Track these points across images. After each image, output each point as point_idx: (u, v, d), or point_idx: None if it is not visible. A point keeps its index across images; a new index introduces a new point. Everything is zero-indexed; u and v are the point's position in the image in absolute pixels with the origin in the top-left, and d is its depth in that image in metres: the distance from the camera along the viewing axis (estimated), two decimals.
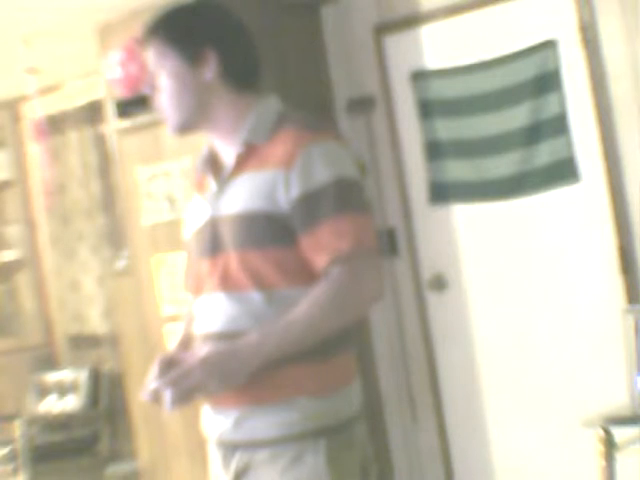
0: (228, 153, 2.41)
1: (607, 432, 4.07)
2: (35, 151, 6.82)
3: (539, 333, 4.91)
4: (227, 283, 2.33)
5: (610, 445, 4.07)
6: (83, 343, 6.84)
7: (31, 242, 7.05)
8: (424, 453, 5.30)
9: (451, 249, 5.14)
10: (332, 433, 2.29)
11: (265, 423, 2.29)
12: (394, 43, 5.21)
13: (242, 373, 2.24)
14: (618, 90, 4.61)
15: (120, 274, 5.78)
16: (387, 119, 5.26)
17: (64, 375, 6.66)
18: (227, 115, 2.39)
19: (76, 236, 6.87)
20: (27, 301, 7.11)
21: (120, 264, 5.81)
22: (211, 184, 2.43)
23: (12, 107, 6.94)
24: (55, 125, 6.66)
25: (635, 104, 4.58)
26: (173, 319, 4.96)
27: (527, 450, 4.99)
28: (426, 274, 5.22)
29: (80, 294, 6.88)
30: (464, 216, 5.09)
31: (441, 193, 5.14)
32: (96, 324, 6.79)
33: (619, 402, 4.37)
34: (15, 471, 6.22)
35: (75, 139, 6.77)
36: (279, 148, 2.31)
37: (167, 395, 2.23)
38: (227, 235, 2.34)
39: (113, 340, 6.24)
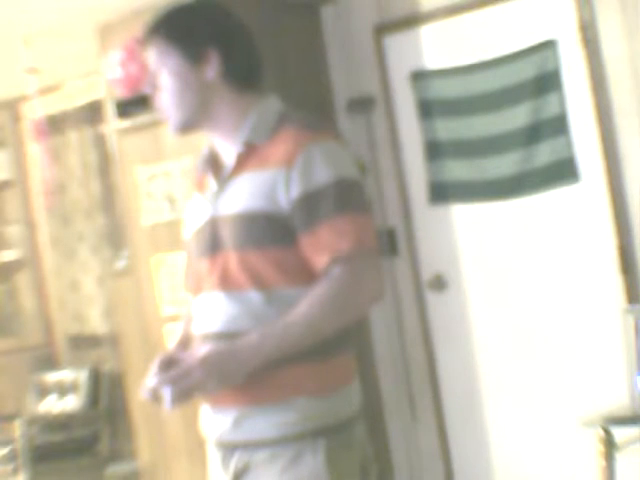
0: (228, 153, 2.41)
1: (607, 432, 4.07)
2: (35, 151, 6.82)
3: (539, 333, 4.92)
4: (227, 283, 2.33)
5: (610, 445, 4.07)
6: (83, 343, 6.84)
7: (31, 242, 7.05)
8: (424, 453, 5.30)
9: (451, 249, 5.14)
10: (331, 433, 2.29)
11: (264, 423, 2.29)
12: (394, 43, 5.21)
13: (241, 373, 2.24)
14: (618, 90, 4.61)
15: (120, 274, 5.78)
16: (387, 119, 5.26)
17: (64, 375, 6.66)
18: (228, 114, 2.39)
19: (76, 236, 6.87)
20: (27, 301, 7.11)
21: (120, 264, 5.80)
22: (211, 183, 2.43)
23: (12, 107, 6.94)
24: (55, 125, 6.65)
25: (635, 104, 4.58)
26: (173, 319, 4.96)
27: (527, 450, 4.99)
28: (426, 274, 5.22)
29: (80, 294, 6.87)
30: (464, 216, 5.09)
31: (441, 193, 5.14)
32: (96, 324, 6.79)
33: (619, 402, 4.37)
34: (15, 471, 6.22)
35: (75, 139, 6.77)
36: (279, 148, 2.31)
37: (166, 394, 2.23)
38: (227, 235, 2.34)
39: (113, 340, 6.24)
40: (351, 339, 2.39)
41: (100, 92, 5.58)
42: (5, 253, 7.08)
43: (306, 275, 2.28)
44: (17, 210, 7.09)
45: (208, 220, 2.39)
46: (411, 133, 5.20)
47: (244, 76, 2.41)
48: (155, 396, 2.28)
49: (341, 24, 5.37)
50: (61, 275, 6.96)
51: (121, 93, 5.25)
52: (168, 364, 2.31)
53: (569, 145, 4.74)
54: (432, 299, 5.22)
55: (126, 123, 5.30)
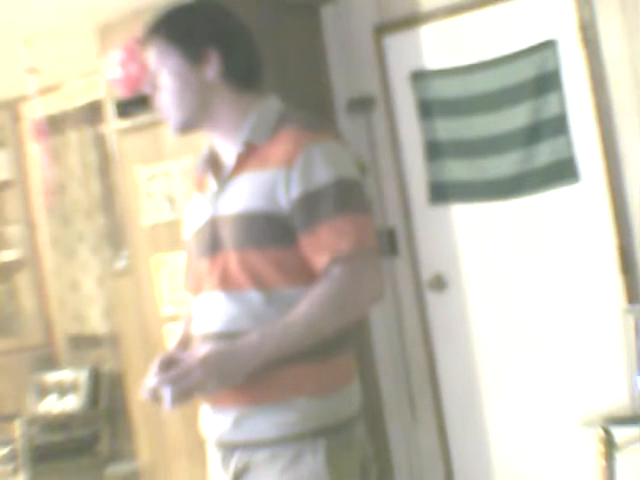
0: (228, 153, 2.41)
1: (607, 432, 4.07)
2: (35, 151, 6.82)
3: (539, 333, 4.92)
4: (226, 283, 2.33)
5: (610, 445, 4.07)
6: (83, 343, 6.84)
7: (31, 242, 7.05)
8: (424, 453, 5.30)
9: (451, 249, 5.14)
10: (331, 433, 2.29)
11: (264, 423, 2.29)
12: (394, 43, 5.21)
13: (241, 373, 2.24)
14: (618, 90, 4.61)
15: (120, 274, 5.78)
16: (387, 119, 5.26)
17: (64, 375, 6.66)
18: (228, 114, 2.39)
19: (76, 236, 6.87)
20: (27, 301, 7.10)
21: (120, 264, 5.80)
22: (211, 183, 2.43)
23: (12, 107, 6.93)
24: (55, 125, 6.65)
25: (635, 104, 4.58)
26: (173, 319, 4.96)
27: (527, 450, 4.99)
28: (426, 274, 5.22)
29: (80, 294, 6.87)
30: (464, 216, 5.09)
31: (441, 193, 5.14)
32: (96, 324, 6.79)
33: (619, 402, 4.37)
34: (15, 471, 6.22)
35: (75, 139, 6.77)
36: (279, 148, 2.31)
37: (166, 394, 2.23)
38: (227, 235, 2.34)
39: (113, 340, 6.24)
40: (351, 339, 2.39)
41: (100, 92, 5.58)
42: (5, 253, 7.08)
43: (306, 275, 2.28)
44: (17, 210, 7.09)
45: (208, 220, 2.39)
46: (411, 133, 5.20)
47: (244, 76, 2.41)
48: (155, 396, 2.28)
49: (341, 24, 5.37)
50: (61, 275, 6.96)
51: (121, 93, 5.24)
52: (168, 364, 2.31)
53: (569, 145, 4.74)
54: (432, 299, 5.22)
55: (126, 123, 5.30)
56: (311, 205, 2.26)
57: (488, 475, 5.13)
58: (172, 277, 5.14)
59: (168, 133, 2.47)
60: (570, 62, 4.71)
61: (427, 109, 5.12)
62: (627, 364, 4.28)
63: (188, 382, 2.22)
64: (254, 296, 2.29)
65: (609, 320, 4.66)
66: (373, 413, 5.28)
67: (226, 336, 2.30)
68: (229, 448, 2.36)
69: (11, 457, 6.27)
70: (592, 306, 4.75)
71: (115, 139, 5.43)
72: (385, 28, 5.23)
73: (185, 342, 2.49)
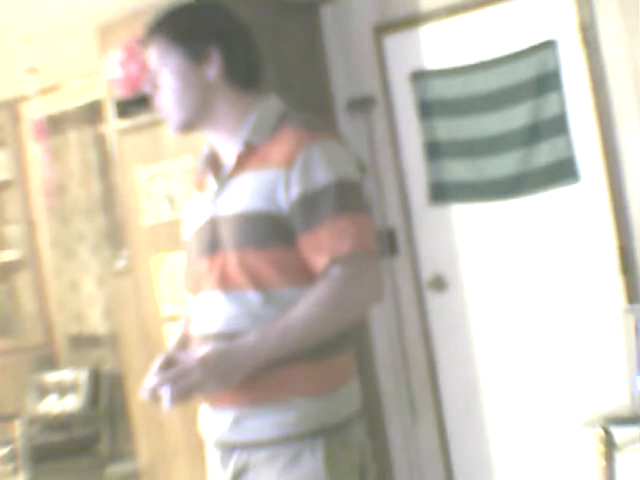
0: (229, 152, 2.41)
1: (607, 432, 4.07)
2: (35, 151, 6.82)
3: (539, 333, 4.91)
4: (225, 283, 2.33)
5: (610, 445, 4.07)
6: (83, 343, 6.84)
7: (31, 242, 7.05)
8: (424, 453, 5.30)
9: (451, 249, 5.14)
10: (330, 433, 2.29)
11: (263, 423, 2.29)
12: (394, 43, 5.21)
13: (240, 373, 2.24)
14: (618, 90, 4.61)
15: (120, 274, 5.78)
16: (387, 119, 5.26)
17: (64, 375, 6.66)
18: (228, 114, 2.39)
19: (76, 236, 6.87)
20: (27, 301, 7.10)
21: (120, 264, 5.80)
22: (211, 183, 2.43)
23: (12, 107, 6.93)
24: (55, 125, 6.65)
25: (635, 104, 4.58)
26: (173, 319, 4.96)
27: (527, 450, 4.99)
28: (426, 274, 5.22)
29: (80, 294, 6.87)
30: (464, 216, 5.09)
31: (441, 193, 5.14)
32: (96, 324, 6.79)
33: (619, 402, 4.37)
34: (15, 471, 6.22)
35: (75, 139, 6.77)
36: (279, 148, 2.31)
37: (165, 394, 2.23)
38: (226, 235, 2.34)
39: (113, 340, 6.24)
40: (350, 339, 2.38)
41: (100, 92, 5.58)
42: (5, 253, 7.08)
43: (305, 276, 2.28)
44: (17, 210, 7.09)
45: (208, 220, 2.39)
46: (411, 133, 5.20)
47: (245, 76, 2.41)
48: (155, 396, 2.28)
49: (341, 24, 5.37)
50: (61, 275, 6.96)
51: (121, 93, 5.25)
52: (168, 364, 2.31)
53: (569, 145, 4.74)
54: (432, 299, 5.22)
55: (126, 123, 5.30)
56: (311, 206, 2.26)
57: (488, 475, 5.13)
58: (172, 277, 5.14)
59: (168, 133, 2.47)
60: (570, 62, 4.71)
61: (427, 109, 5.12)
62: (627, 364, 4.28)
63: (187, 382, 2.22)
64: (253, 296, 2.29)
65: (609, 320, 4.66)
66: (373, 413, 5.28)
67: (225, 336, 2.30)
68: (228, 448, 2.36)
69: (11, 457, 6.27)
70: (592, 306, 4.75)
71: (115, 139, 5.43)
72: (385, 28, 5.23)
73: (184, 342, 2.49)
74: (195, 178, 2.55)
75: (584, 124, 4.70)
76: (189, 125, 2.41)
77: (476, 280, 5.08)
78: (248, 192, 2.31)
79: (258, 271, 2.29)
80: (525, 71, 4.81)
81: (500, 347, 5.04)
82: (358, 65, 5.33)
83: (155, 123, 4.99)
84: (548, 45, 4.75)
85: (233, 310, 2.31)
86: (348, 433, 2.33)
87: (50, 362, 6.93)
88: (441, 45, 5.07)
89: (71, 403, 6.53)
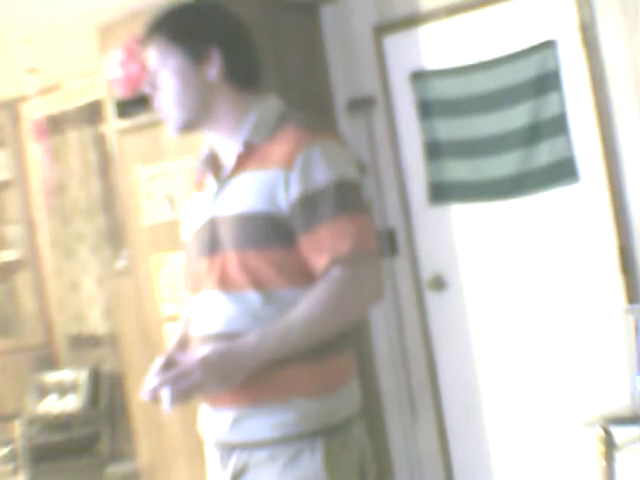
0: (228, 152, 2.41)
1: (607, 432, 4.07)
2: (35, 151, 6.82)
3: (539, 333, 4.91)
4: (226, 283, 2.33)
5: (610, 445, 4.07)
6: (83, 343, 6.84)
7: (31, 242, 7.04)
8: (424, 453, 5.30)
9: (451, 249, 5.14)
10: (330, 433, 2.29)
11: (263, 424, 2.29)
12: (394, 43, 5.21)
13: (241, 374, 2.24)
14: (618, 90, 4.61)
15: (120, 274, 5.78)
16: (387, 119, 5.26)
17: (64, 375, 6.66)
18: (228, 114, 2.39)
19: (76, 236, 6.87)
20: (27, 301, 7.10)
21: (120, 264, 5.80)
22: (211, 183, 2.43)
23: (12, 107, 6.93)
24: (55, 125, 6.65)
25: (635, 104, 4.58)
26: (173, 319, 4.96)
27: (527, 450, 4.99)
28: (426, 274, 5.22)
29: (80, 294, 6.87)
30: (464, 216, 5.09)
31: (441, 193, 5.14)
32: (96, 324, 6.79)
33: (619, 402, 4.37)
34: (15, 471, 6.22)
35: (75, 139, 6.77)
36: (279, 148, 2.31)
37: (166, 395, 2.23)
38: (226, 235, 2.34)
39: (113, 340, 6.24)
40: (349, 339, 2.38)
41: (100, 92, 5.58)
42: (5, 253, 7.08)
43: (305, 276, 2.28)
44: (17, 210, 7.09)
45: (208, 220, 2.39)
46: (411, 133, 5.19)
47: (245, 75, 2.41)
48: (155, 397, 2.28)
49: (341, 24, 5.37)
50: (61, 275, 6.96)
51: (121, 93, 5.24)
52: (168, 365, 2.31)
53: (569, 145, 4.74)
54: (432, 299, 5.22)
55: (126, 123, 5.30)
56: (311, 206, 2.26)
57: (488, 475, 5.13)
58: (172, 277, 5.14)
59: (168, 133, 2.47)
60: (570, 62, 4.71)
61: (427, 109, 5.12)
62: (627, 364, 4.28)
63: (188, 383, 2.22)
64: (253, 297, 2.29)
65: (609, 320, 4.66)
66: (373, 413, 5.28)
67: (225, 337, 2.30)
68: (228, 448, 2.36)
69: (11, 457, 6.27)
70: (592, 306, 4.75)
71: (115, 139, 5.43)
72: (385, 28, 5.23)
73: (184, 342, 2.49)
74: (194, 178, 2.55)
75: (584, 124, 4.70)
76: (189, 125, 2.41)
77: (476, 280, 5.08)
78: (248, 192, 2.31)
79: (258, 271, 2.29)
80: (525, 71, 4.80)
81: (500, 347, 5.04)
82: (358, 65, 5.33)
83: (155, 123, 4.99)
84: (548, 45, 4.75)
85: (233, 310, 2.31)
86: (348, 433, 2.33)
87: (50, 362, 6.92)
88: (441, 45, 5.07)
89: (71, 403, 6.53)
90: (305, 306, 2.23)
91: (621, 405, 4.30)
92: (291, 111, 2.43)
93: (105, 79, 5.34)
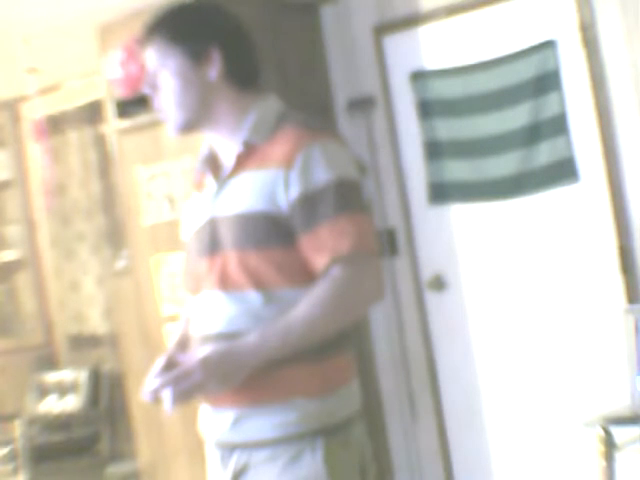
0: (228, 152, 2.40)
1: (607, 432, 4.07)
2: (35, 151, 6.82)
3: (539, 333, 4.91)
4: (226, 283, 2.33)
5: (610, 445, 4.07)
6: (83, 343, 6.84)
7: (31, 242, 7.04)
8: (424, 453, 5.30)
9: (451, 249, 5.14)
10: (330, 433, 2.29)
11: (263, 424, 2.29)
12: (394, 43, 5.21)
13: (241, 374, 2.24)
14: (618, 90, 4.61)
15: (120, 274, 5.78)
16: (387, 119, 5.26)
17: (64, 375, 6.66)
18: (228, 114, 2.39)
19: (76, 236, 6.87)
20: (27, 301, 7.10)
21: (120, 264, 5.80)
22: (211, 183, 2.43)
23: (12, 107, 6.93)
24: (55, 125, 6.65)
25: (635, 104, 4.58)
26: (173, 319, 4.96)
27: (527, 450, 4.99)
28: (426, 274, 5.22)
29: (80, 294, 6.87)
30: (464, 216, 5.09)
31: (441, 193, 5.14)
32: (96, 324, 6.79)
33: (619, 402, 4.37)
34: (15, 471, 6.22)
35: (75, 139, 6.77)
36: (279, 148, 2.31)
37: (167, 395, 2.23)
38: (226, 235, 2.34)
39: (113, 340, 6.24)
40: (349, 339, 2.39)
41: (100, 92, 5.58)
42: (5, 253, 7.08)
43: (306, 275, 2.28)
44: (17, 210, 7.09)
45: (207, 220, 2.39)
46: (411, 133, 5.19)
47: (245, 76, 2.41)
48: (156, 398, 2.28)
49: (341, 24, 5.37)
50: (61, 275, 6.96)
51: (121, 93, 5.25)
52: (169, 366, 2.31)
53: (569, 145, 4.74)
54: (432, 299, 5.22)
55: (126, 123, 5.30)
56: (311, 205, 2.26)
57: (488, 475, 5.13)
58: (172, 277, 5.14)
59: (168, 133, 2.46)
60: (570, 62, 4.71)
61: (427, 109, 5.12)
62: (627, 364, 4.28)
63: (189, 383, 2.22)
64: (254, 296, 2.29)
65: (609, 320, 4.66)
66: (373, 413, 5.28)
67: (226, 337, 2.30)
68: (228, 448, 2.36)
69: (11, 457, 6.27)
70: (592, 306, 4.75)
71: (115, 139, 5.43)
72: (385, 28, 5.23)
73: (184, 343, 2.49)
74: (194, 178, 2.55)
75: (584, 124, 4.70)
76: (189, 126, 2.41)
77: (476, 280, 5.08)
78: (248, 192, 2.31)
79: (258, 271, 2.29)
80: (525, 71, 4.80)
81: (500, 347, 5.04)
82: (358, 65, 5.33)
83: (155, 123, 4.99)
84: (548, 45, 4.75)
85: (233, 310, 2.31)
86: (348, 433, 2.33)
87: (50, 362, 6.92)
88: (441, 45, 5.07)
89: (71, 403, 6.53)
90: (305, 306, 2.23)
91: (621, 405, 4.30)
92: (291, 111, 2.43)
93: (105, 79, 5.34)
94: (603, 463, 4.08)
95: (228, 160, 2.40)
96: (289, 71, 5.15)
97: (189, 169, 4.97)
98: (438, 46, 5.08)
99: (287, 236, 2.28)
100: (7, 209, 7.15)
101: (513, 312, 4.99)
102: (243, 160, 2.35)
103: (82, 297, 6.86)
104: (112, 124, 5.42)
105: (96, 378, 6.53)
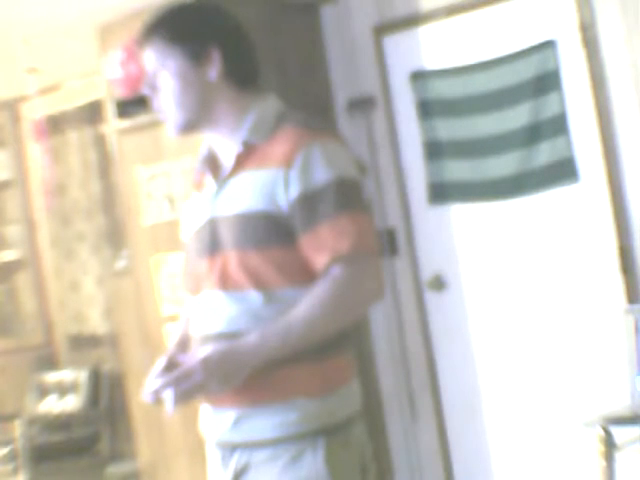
0: (227, 152, 2.40)
1: (607, 432, 4.07)
2: (35, 151, 6.82)
3: (539, 333, 4.91)
4: (226, 283, 2.33)
5: (610, 445, 4.07)
6: (83, 343, 6.84)
7: (31, 242, 7.05)
8: (424, 453, 5.30)
9: (451, 249, 5.14)
10: (331, 433, 2.29)
11: (264, 424, 2.29)
12: (394, 43, 5.21)
13: (242, 374, 2.24)
14: (618, 90, 4.61)
15: (120, 274, 5.78)
16: (387, 119, 5.26)
17: (64, 375, 6.66)
18: (228, 114, 2.39)
19: (76, 236, 6.87)
20: (27, 301, 7.10)
21: (120, 264, 5.80)
22: (210, 183, 2.43)
23: (12, 107, 6.93)
24: (55, 125, 6.65)
25: (635, 104, 4.58)
26: (173, 319, 4.96)
27: (527, 450, 4.98)
28: (425, 274, 5.22)
29: (80, 294, 6.87)
30: (464, 216, 5.09)
31: (441, 193, 5.14)
32: (96, 324, 6.79)
33: (619, 402, 4.37)
34: (15, 471, 6.22)
35: (75, 139, 6.77)
36: (278, 147, 2.31)
37: (168, 396, 2.23)
38: (226, 235, 2.34)
39: (113, 340, 6.24)
40: (350, 339, 2.39)
41: (100, 92, 5.58)
42: (5, 253, 7.08)
43: (306, 275, 2.28)
44: (17, 210, 7.09)
45: (207, 220, 2.39)
46: (411, 133, 5.19)
47: (245, 76, 2.41)
48: (157, 398, 2.27)
49: (341, 24, 5.37)
50: (61, 275, 6.96)
51: (121, 93, 5.25)
52: (169, 366, 2.31)
53: (569, 145, 4.74)
54: (432, 299, 5.22)
55: (126, 123, 5.30)
56: (311, 205, 2.26)
57: (488, 475, 5.13)
58: (172, 277, 5.14)
59: (168, 134, 2.46)
60: (570, 62, 4.71)
61: (427, 109, 5.12)
62: (627, 364, 4.28)
63: (190, 384, 2.22)
64: (254, 296, 2.29)
65: (609, 320, 4.66)
66: (373, 413, 5.28)
67: (226, 336, 2.30)
68: (229, 448, 2.36)
69: (11, 457, 6.27)
70: (592, 306, 4.75)
71: (115, 139, 5.43)
72: (385, 28, 5.23)
73: (184, 343, 2.49)
74: (194, 178, 2.55)
75: (584, 124, 4.70)
76: (189, 126, 2.41)
77: (476, 280, 5.08)
78: (247, 192, 2.31)
79: (258, 271, 2.29)
80: (525, 71, 4.80)
81: (500, 347, 5.04)
82: (358, 65, 5.33)
83: (155, 123, 4.99)
84: (548, 45, 4.75)
85: (234, 310, 2.31)
86: (349, 433, 2.33)
87: (50, 362, 6.93)
88: (441, 45, 5.07)
89: (71, 403, 6.53)
90: (306, 305, 2.23)
91: (621, 405, 4.30)
92: (290, 111, 2.43)
93: (105, 79, 5.34)
94: (603, 463, 4.08)
95: (228, 160, 2.40)
96: (289, 71, 5.15)
97: (189, 169, 4.97)
98: (438, 46, 5.08)
99: (287, 236, 2.28)
100: (7, 209, 7.15)
101: (513, 312, 4.99)
102: (243, 160, 2.35)
103: (82, 297, 6.87)
104: (112, 124, 5.42)
105: (96, 378, 6.53)
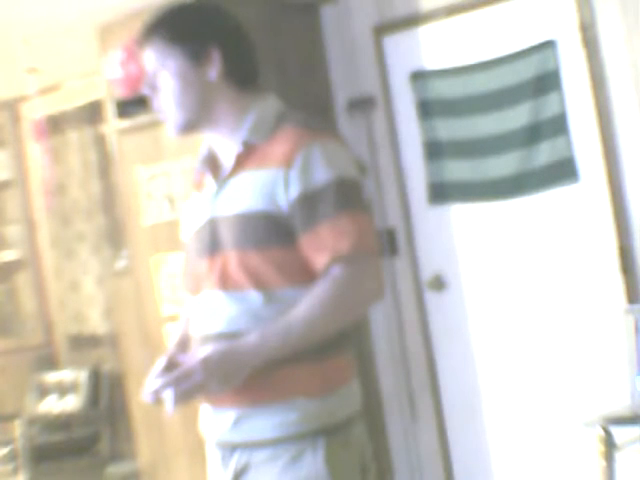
0: (227, 152, 2.40)
1: (607, 432, 4.07)
2: (35, 151, 6.82)
3: (539, 333, 4.91)
4: (226, 283, 2.33)
5: (610, 445, 4.07)
6: (83, 343, 6.84)
7: (31, 242, 7.04)
8: (424, 453, 5.30)
9: (451, 249, 5.14)
10: (331, 433, 2.29)
11: (264, 424, 2.29)
12: (394, 43, 5.21)
13: (242, 374, 2.24)
14: (618, 90, 4.61)
15: (120, 274, 5.78)
16: (387, 119, 5.26)
17: (64, 375, 6.66)
18: (228, 114, 2.39)
19: (76, 236, 6.87)
20: (27, 301, 7.10)
21: (120, 264, 5.80)
22: (210, 183, 2.43)
23: (12, 107, 6.93)
24: (55, 125, 6.65)
25: (635, 104, 4.58)
26: (173, 319, 4.96)
27: (527, 450, 4.99)
28: (425, 274, 5.22)
29: (80, 294, 6.87)
30: (464, 216, 5.09)
31: (441, 193, 5.14)
32: (96, 324, 6.79)
33: (619, 402, 4.37)
34: (15, 471, 6.22)
35: (75, 139, 6.77)
36: (278, 147, 2.31)
37: (169, 396, 2.23)
38: (226, 235, 2.34)
39: (113, 340, 6.24)
40: (350, 339, 2.39)
41: (100, 92, 5.58)
42: (5, 253, 7.08)
43: (306, 275, 2.28)
44: (17, 210, 7.09)
45: (207, 220, 2.39)
46: (411, 133, 5.19)
47: (244, 76, 2.41)
48: (157, 398, 2.27)
49: (341, 24, 5.37)
50: (61, 275, 6.96)
51: (121, 93, 5.25)
52: (169, 366, 2.31)
53: (569, 145, 4.74)
54: (432, 299, 5.22)
55: (126, 123, 5.30)
56: (311, 205, 2.26)
57: (488, 475, 5.13)
58: (172, 277, 5.14)
59: (168, 134, 2.46)
60: (570, 62, 4.71)
61: (427, 109, 5.12)
62: (627, 364, 4.28)
63: (190, 384, 2.22)
64: (254, 296, 2.29)
65: (609, 320, 4.66)
66: (373, 413, 5.28)
67: (226, 336, 2.30)
68: (229, 448, 2.36)
69: (11, 457, 6.27)
70: (592, 306, 4.75)
71: (115, 139, 5.43)
72: (385, 28, 5.23)
73: (184, 343, 2.49)
74: (194, 178, 2.55)
75: (584, 124, 4.70)
76: (190, 126, 2.41)
77: (476, 280, 5.08)
78: (247, 192, 2.31)
79: (258, 271, 2.29)
80: (525, 71, 4.80)
81: (500, 347, 5.04)
82: (358, 65, 5.33)
83: (155, 123, 4.99)
84: (548, 45, 4.75)
85: (234, 310, 2.31)
86: (349, 433, 2.33)
87: (50, 362, 6.93)
88: (441, 45, 5.07)
89: (71, 403, 6.53)
90: (306, 305, 2.23)
91: (621, 405, 4.30)
92: (290, 111, 2.43)
93: (105, 79, 5.34)
94: (603, 463, 4.08)
95: (228, 160, 2.40)
96: (289, 71, 5.15)
97: (189, 169, 4.97)
98: (438, 46, 5.08)
99: (287, 236, 2.29)
100: (7, 209, 7.15)
101: (513, 312, 4.99)
102: (243, 160, 2.35)
103: (82, 297, 6.87)
104: (112, 124, 5.42)
105: (96, 378, 6.53)
